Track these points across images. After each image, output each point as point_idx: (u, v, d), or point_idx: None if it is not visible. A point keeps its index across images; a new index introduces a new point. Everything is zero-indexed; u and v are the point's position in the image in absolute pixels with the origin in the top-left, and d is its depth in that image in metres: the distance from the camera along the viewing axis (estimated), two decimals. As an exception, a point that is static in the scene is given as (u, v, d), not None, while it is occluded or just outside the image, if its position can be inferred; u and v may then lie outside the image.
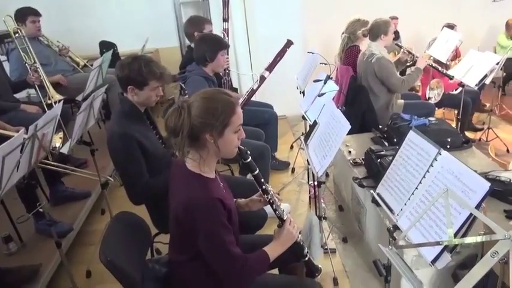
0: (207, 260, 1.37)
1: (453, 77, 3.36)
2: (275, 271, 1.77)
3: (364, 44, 3.53)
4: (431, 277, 1.96)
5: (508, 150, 3.75)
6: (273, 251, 1.48)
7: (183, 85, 2.30)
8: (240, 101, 2.79)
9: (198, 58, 2.74)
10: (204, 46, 2.71)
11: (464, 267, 1.82)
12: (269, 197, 1.56)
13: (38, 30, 3.80)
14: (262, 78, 3.05)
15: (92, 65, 3.74)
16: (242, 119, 1.42)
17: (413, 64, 3.45)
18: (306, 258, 1.65)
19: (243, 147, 1.48)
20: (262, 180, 1.56)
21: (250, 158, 1.52)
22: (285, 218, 1.55)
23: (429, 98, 3.71)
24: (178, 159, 1.47)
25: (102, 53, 4.64)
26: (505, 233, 0.92)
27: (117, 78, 1.91)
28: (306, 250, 1.64)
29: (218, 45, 2.73)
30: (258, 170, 1.54)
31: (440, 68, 3.41)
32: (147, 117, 2.07)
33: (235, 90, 4.10)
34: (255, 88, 3.06)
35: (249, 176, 1.59)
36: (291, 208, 3.04)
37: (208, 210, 1.32)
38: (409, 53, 3.48)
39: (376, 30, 3.30)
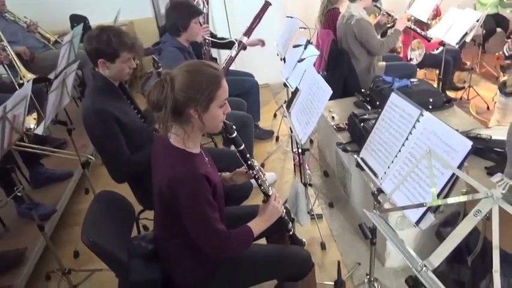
0: (191, 235, 1.36)
1: (431, 38, 3.32)
2: (263, 241, 1.77)
3: (345, 6, 3.44)
4: (416, 236, 2.01)
5: (488, 108, 3.79)
6: (258, 226, 1.48)
7: (155, 58, 2.20)
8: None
9: (170, 28, 2.60)
10: (174, 15, 2.56)
11: (448, 225, 1.86)
12: (254, 173, 1.54)
13: (2, 4, 3.60)
14: (241, 44, 2.95)
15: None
16: (228, 92, 1.37)
17: (393, 26, 3.39)
18: (291, 233, 1.66)
19: (228, 122, 1.44)
20: (248, 155, 1.53)
21: (235, 133, 1.48)
22: (270, 194, 1.54)
23: (411, 59, 3.69)
24: (160, 134, 1.42)
25: (73, 27, 4.43)
26: (487, 191, 0.92)
27: (85, 52, 1.81)
28: (290, 225, 1.65)
29: (190, 12, 2.57)
30: (243, 145, 1.51)
31: (418, 30, 3.35)
32: (123, 91, 1.98)
33: (215, 60, 4.00)
34: (233, 55, 2.97)
35: (233, 147, 1.56)
36: (276, 176, 3.04)
37: (192, 186, 1.29)
38: (388, 14, 3.42)
39: (355, -9, 3.20)
